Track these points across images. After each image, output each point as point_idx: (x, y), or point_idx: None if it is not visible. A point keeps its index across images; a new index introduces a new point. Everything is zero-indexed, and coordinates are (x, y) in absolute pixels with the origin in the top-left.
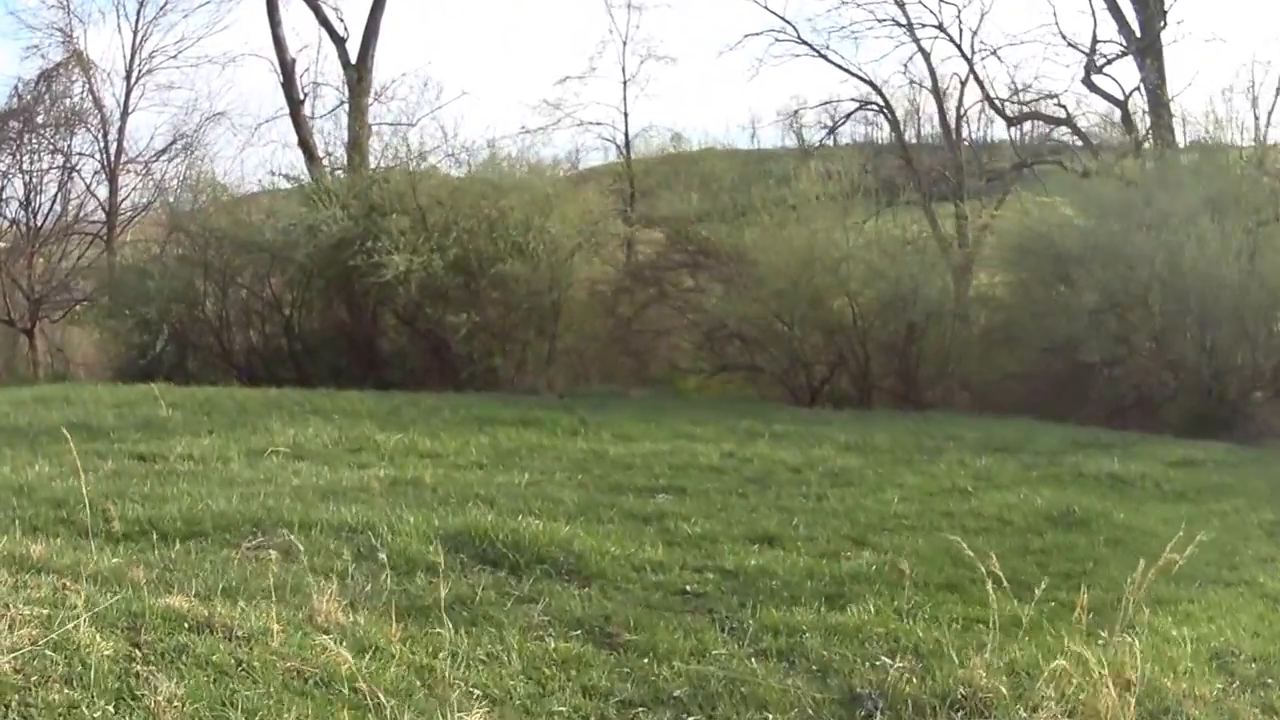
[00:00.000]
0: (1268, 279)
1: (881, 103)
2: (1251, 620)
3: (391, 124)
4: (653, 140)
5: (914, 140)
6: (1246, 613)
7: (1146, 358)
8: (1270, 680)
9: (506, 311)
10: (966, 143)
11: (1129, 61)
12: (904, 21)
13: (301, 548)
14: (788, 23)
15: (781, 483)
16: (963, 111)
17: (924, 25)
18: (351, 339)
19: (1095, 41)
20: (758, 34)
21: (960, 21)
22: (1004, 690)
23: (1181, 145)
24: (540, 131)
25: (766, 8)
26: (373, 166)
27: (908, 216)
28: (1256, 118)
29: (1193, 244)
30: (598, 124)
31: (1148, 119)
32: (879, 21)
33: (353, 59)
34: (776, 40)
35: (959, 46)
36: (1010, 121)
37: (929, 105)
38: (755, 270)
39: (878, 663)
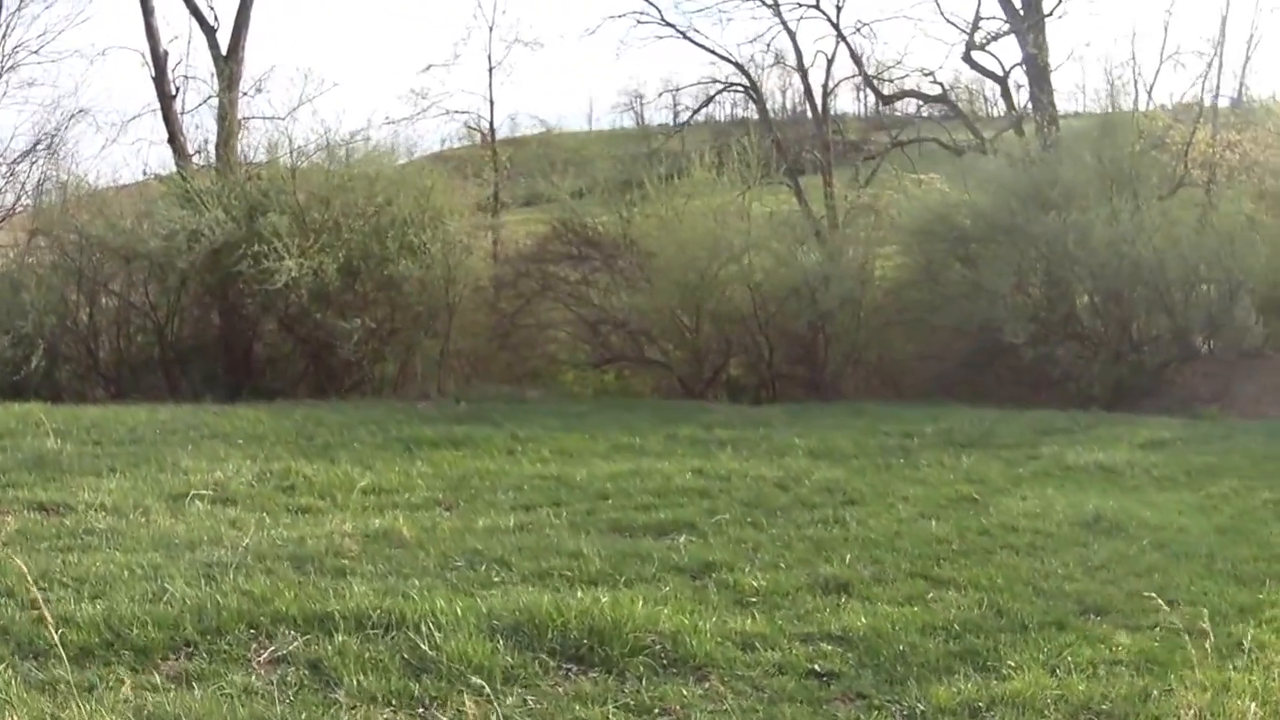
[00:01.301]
0: (1185, 251)
1: (747, 83)
2: None
3: (267, 118)
4: (520, 127)
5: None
6: None
7: (1066, 334)
8: None
9: (393, 313)
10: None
11: (1008, 37)
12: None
13: (338, 663)
14: (651, 4)
15: (782, 506)
16: (829, 89)
17: (799, 4)
18: (228, 346)
19: (979, 18)
20: (620, 16)
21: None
22: None
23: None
24: (406, 121)
25: None
26: (248, 162)
27: (776, 197)
28: (1136, 90)
29: (1102, 222)
30: (463, 112)
31: (1025, 94)
32: (744, 1)
33: (223, 50)
34: (639, 22)
35: (834, 23)
36: (884, 99)
37: (791, 82)
38: (652, 261)
39: None
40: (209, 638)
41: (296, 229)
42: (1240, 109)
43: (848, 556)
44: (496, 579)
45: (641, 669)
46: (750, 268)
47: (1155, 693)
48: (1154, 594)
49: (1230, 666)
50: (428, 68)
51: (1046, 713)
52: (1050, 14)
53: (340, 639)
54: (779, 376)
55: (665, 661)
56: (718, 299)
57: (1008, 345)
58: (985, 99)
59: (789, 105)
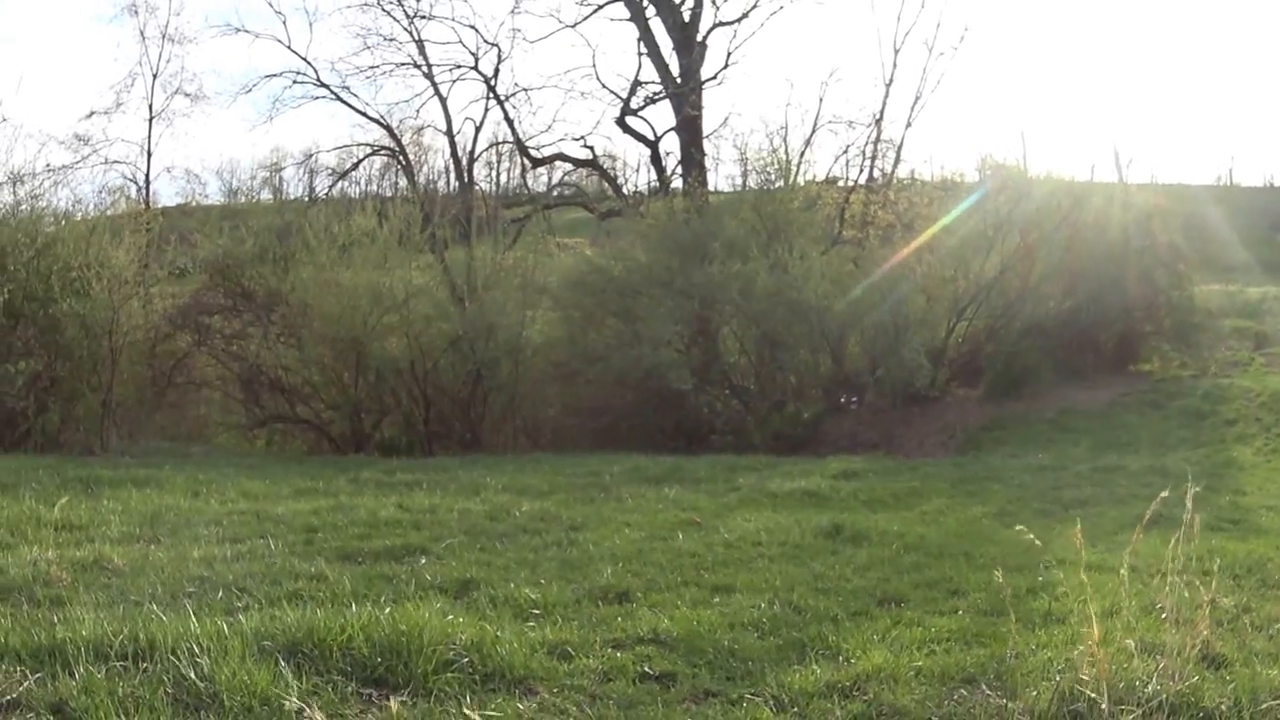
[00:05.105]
0: (852, 300)
1: (396, 147)
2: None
3: None
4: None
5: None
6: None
7: (725, 387)
8: None
9: (54, 361)
10: (487, 185)
11: (664, 103)
12: (422, 64)
13: (87, 704)
14: (309, 64)
15: (505, 532)
16: (475, 155)
17: (457, 65)
18: None
19: (636, 84)
20: (277, 74)
21: (499, 66)
22: None
23: (713, 181)
24: (65, 170)
25: (289, 47)
26: None
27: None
28: (789, 156)
29: (765, 271)
30: (120, 162)
31: (675, 160)
32: (399, 65)
33: None
34: (295, 82)
35: (490, 86)
36: (535, 163)
37: (425, 158)
38: (309, 313)
39: None
40: None
41: None
42: (899, 174)
43: (607, 570)
44: (240, 604)
45: (455, 686)
46: (412, 315)
47: (1009, 657)
48: (938, 585)
49: (1055, 632)
50: (90, 114)
51: (913, 684)
52: (710, 79)
53: (83, 673)
54: (434, 435)
55: (478, 676)
56: (379, 349)
57: (670, 395)
58: (627, 165)
59: (432, 173)
